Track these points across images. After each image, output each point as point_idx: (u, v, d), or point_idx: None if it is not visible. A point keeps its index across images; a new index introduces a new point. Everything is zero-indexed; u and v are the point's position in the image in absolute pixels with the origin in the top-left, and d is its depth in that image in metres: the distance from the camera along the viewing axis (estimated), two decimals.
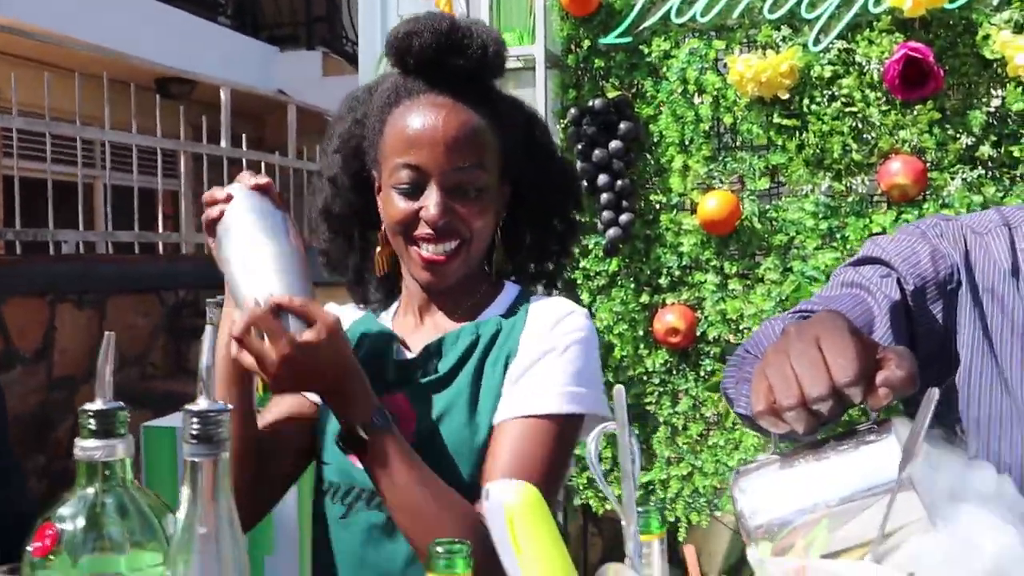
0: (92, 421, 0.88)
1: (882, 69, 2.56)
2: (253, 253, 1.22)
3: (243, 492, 1.28)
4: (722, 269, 2.76)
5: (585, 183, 2.78)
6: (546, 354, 1.32)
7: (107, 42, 6.05)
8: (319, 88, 8.23)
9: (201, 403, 0.84)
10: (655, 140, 2.81)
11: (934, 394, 0.87)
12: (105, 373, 0.91)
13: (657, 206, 2.83)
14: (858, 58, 2.61)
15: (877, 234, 2.54)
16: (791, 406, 0.92)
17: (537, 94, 2.82)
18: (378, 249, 1.45)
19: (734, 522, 2.97)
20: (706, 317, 2.77)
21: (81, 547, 0.86)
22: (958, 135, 2.54)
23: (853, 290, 1.32)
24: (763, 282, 2.71)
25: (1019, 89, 2.47)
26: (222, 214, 1.26)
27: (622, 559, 0.85)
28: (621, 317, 2.85)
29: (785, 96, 2.64)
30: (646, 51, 2.80)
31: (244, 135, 6.64)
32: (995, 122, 2.53)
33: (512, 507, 0.81)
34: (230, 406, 0.85)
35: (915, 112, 2.55)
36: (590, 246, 2.85)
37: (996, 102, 2.54)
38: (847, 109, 2.61)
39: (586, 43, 2.85)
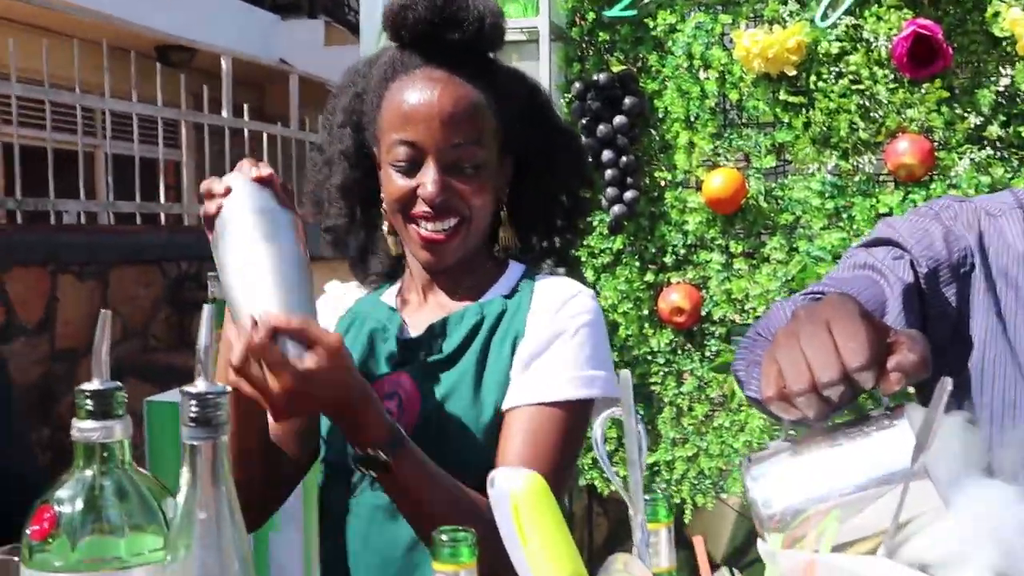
0: (89, 402, 0.87)
1: (890, 46, 2.53)
2: (250, 260, 1.14)
3: (255, 489, 1.28)
4: (727, 248, 2.74)
5: (589, 159, 2.75)
6: (555, 338, 1.30)
7: (107, 8, 6.00)
8: (321, 58, 8.17)
9: (199, 385, 0.82)
10: (660, 116, 2.79)
11: (947, 383, 0.85)
12: (102, 352, 0.90)
13: (662, 183, 2.81)
14: (866, 34, 2.58)
15: (884, 214, 2.53)
16: (801, 391, 0.91)
17: (541, 67, 2.79)
18: (386, 227, 1.43)
19: (740, 504, 2.97)
20: (711, 297, 2.76)
21: (80, 530, 0.85)
22: (966, 114, 2.51)
23: (865, 272, 1.30)
24: (769, 262, 2.69)
25: None
26: (220, 209, 1.19)
27: (628, 540, 0.84)
28: (626, 296, 2.83)
29: (792, 72, 2.61)
30: (651, 25, 2.76)
31: (246, 105, 6.60)
32: (1004, 101, 2.51)
33: (517, 496, 0.80)
34: (228, 388, 0.84)
35: (923, 90, 2.53)
36: (594, 223, 2.83)
37: (1005, 81, 2.52)
38: (854, 87, 2.58)
39: (591, 16, 2.81)
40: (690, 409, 2.82)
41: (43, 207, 5.02)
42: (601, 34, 2.82)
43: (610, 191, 2.77)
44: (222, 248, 1.18)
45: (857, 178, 2.62)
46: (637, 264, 2.83)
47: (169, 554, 0.80)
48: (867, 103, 2.59)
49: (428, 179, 1.29)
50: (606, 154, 2.76)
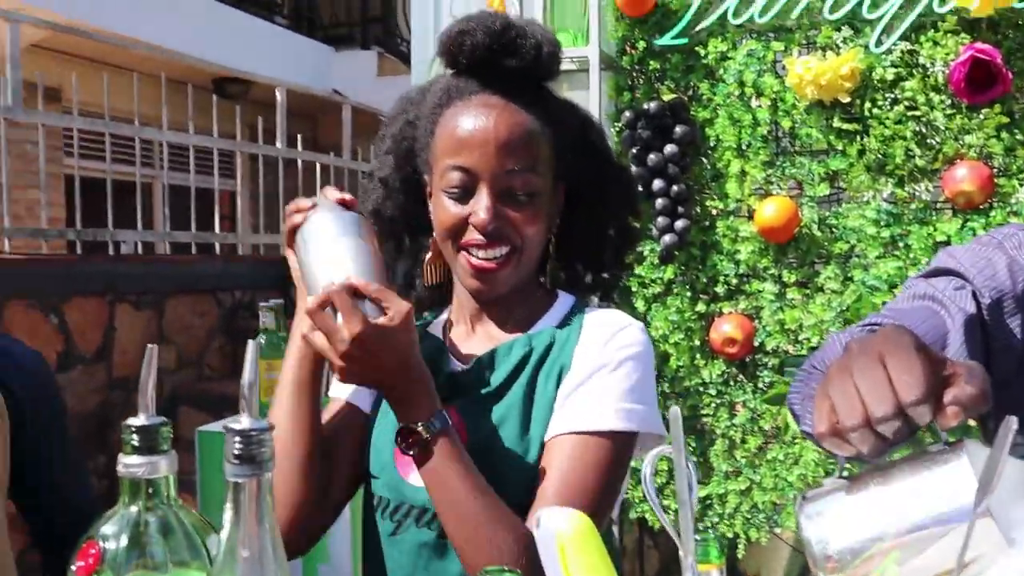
0: (135, 437, 0.87)
1: (947, 71, 2.48)
2: (333, 248, 1.22)
3: (300, 513, 1.28)
4: (780, 278, 2.70)
5: (640, 188, 2.73)
6: (600, 369, 1.28)
7: (165, 42, 6.12)
8: (374, 88, 8.27)
9: (243, 421, 0.81)
10: (711, 144, 2.76)
11: (1012, 423, 0.82)
12: (148, 387, 0.90)
13: (713, 212, 2.78)
14: (922, 60, 2.54)
15: (942, 243, 2.47)
16: (855, 427, 0.88)
17: (591, 96, 2.78)
18: (428, 256, 1.43)
19: (794, 539, 2.91)
20: (764, 327, 2.72)
21: (124, 566, 0.85)
22: None
23: (925, 303, 1.27)
24: (823, 291, 2.65)
25: None
26: (306, 220, 1.27)
27: (679, 573, 0.82)
28: (677, 326, 2.80)
29: (846, 99, 2.58)
30: (702, 53, 2.75)
31: (299, 135, 6.68)
32: None
33: (564, 536, 0.78)
34: (273, 423, 0.83)
35: (982, 116, 2.48)
36: (645, 253, 2.81)
37: None
38: (910, 113, 2.54)
39: (641, 44, 2.80)
40: (743, 441, 2.77)
41: (101, 237, 5.11)
42: (652, 63, 2.81)
43: (661, 220, 2.75)
44: (306, 246, 1.26)
45: (914, 206, 2.57)
46: (688, 294, 2.80)
47: None
48: (924, 129, 2.55)
49: (481, 206, 1.28)
50: (657, 183, 2.74)
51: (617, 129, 2.83)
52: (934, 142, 2.54)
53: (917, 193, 2.57)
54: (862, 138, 2.59)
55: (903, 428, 0.88)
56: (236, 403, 0.86)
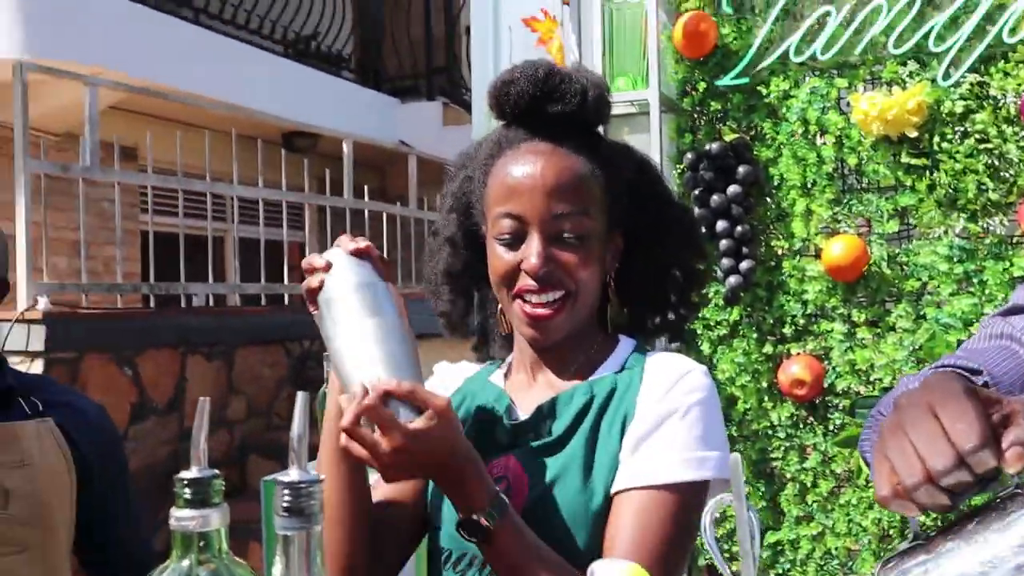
0: (187, 490, 0.86)
1: (1019, 102, 2.42)
2: (357, 332, 1.18)
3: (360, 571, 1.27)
4: (850, 317, 2.63)
5: (703, 229, 2.70)
6: (666, 418, 1.25)
7: (236, 99, 6.27)
8: (439, 138, 8.34)
9: (292, 473, 0.81)
10: (775, 183, 2.72)
11: None
12: (200, 440, 0.89)
13: (779, 252, 2.73)
14: (992, 91, 2.47)
15: (1019, 278, 2.39)
16: (916, 484, 0.85)
17: (652, 139, 2.77)
18: (500, 306, 1.42)
19: None
20: (834, 368, 2.65)
21: None
22: None
23: (1003, 342, 1.22)
24: (894, 330, 2.58)
25: None
26: (323, 284, 1.23)
27: None
28: (744, 368, 2.74)
29: (913, 134, 2.52)
30: (764, 92, 2.72)
31: (366, 186, 6.78)
32: None
33: None
34: (322, 476, 0.82)
35: None
36: (710, 295, 2.76)
37: None
38: (981, 146, 2.48)
39: (701, 85, 2.79)
40: (814, 485, 2.69)
41: (174, 291, 5.22)
42: (713, 103, 2.79)
43: (725, 262, 2.71)
44: (329, 323, 1.21)
45: (988, 241, 2.49)
46: (755, 335, 2.74)
47: None
48: (996, 162, 2.48)
49: (532, 251, 1.27)
50: (720, 224, 2.70)
51: (679, 171, 2.80)
52: (1008, 175, 2.47)
53: (991, 227, 2.50)
54: (931, 173, 2.53)
55: (968, 477, 0.84)
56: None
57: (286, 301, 5.97)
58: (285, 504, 0.80)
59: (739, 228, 2.70)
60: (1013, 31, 2.42)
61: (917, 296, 2.57)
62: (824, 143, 2.67)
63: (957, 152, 2.50)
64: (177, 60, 6.15)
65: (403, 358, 1.16)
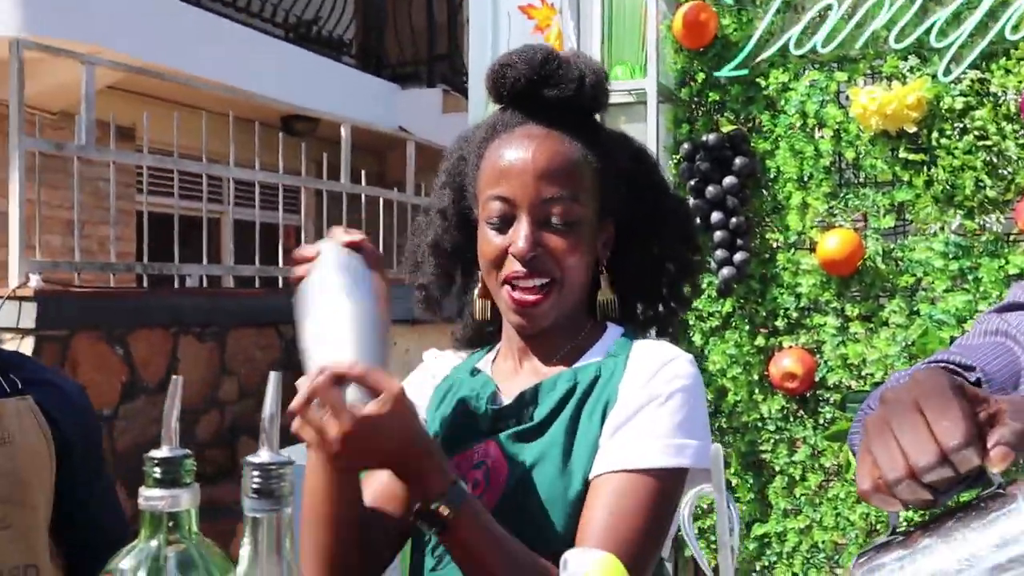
0: (157, 469, 0.85)
1: (1019, 100, 2.40)
2: (326, 314, 1.14)
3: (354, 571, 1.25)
4: (843, 311, 2.62)
5: (698, 220, 2.69)
6: (647, 403, 1.24)
7: (235, 82, 6.24)
8: (439, 124, 8.32)
9: (262, 455, 0.80)
10: (772, 176, 2.70)
11: None
12: (171, 419, 0.88)
13: (774, 245, 2.72)
14: (993, 88, 2.46)
15: (1015, 276, 2.38)
16: (898, 479, 0.84)
17: (648, 129, 2.74)
18: (477, 291, 1.41)
19: None
20: (826, 362, 2.63)
21: None
22: None
23: (997, 339, 1.21)
24: (887, 326, 2.56)
25: None
26: (307, 276, 1.19)
27: None
28: (735, 360, 2.73)
29: (912, 129, 2.50)
30: (763, 84, 2.70)
31: (364, 171, 6.75)
32: None
33: None
34: (293, 458, 0.81)
35: None
36: (703, 286, 2.75)
37: None
38: (980, 143, 2.46)
39: (700, 76, 2.76)
40: (803, 479, 2.68)
41: (167, 271, 5.20)
42: (711, 94, 2.77)
43: (719, 253, 2.69)
44: (303, 303, 1.18)
45: (984, 238, 2.47)
46: (747, 328, 2.73)
47: None
48: (995, 159, 2.46)
49: (520, 235, 1.27)
50: (715, 215, 2.69)
51: (675, 161, 2.79)
52: (1006, 172, 2.46)
53: (988, 225, 2.48)
54: (929, 169, 2.51)
55: (951, 475, 0.83)
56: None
57: (280, 284, 5.95)
58: (255, 485, 0.78)
59: (734, 220, 2.69)
60: (1016, 28, 2.40)
61: (911, 292, 2.55)
62: (822, 136, 2.65)
63: (956, 148, 2.48)
64: (178, 42, 6.13)
65: (369, 344, 1.11)
